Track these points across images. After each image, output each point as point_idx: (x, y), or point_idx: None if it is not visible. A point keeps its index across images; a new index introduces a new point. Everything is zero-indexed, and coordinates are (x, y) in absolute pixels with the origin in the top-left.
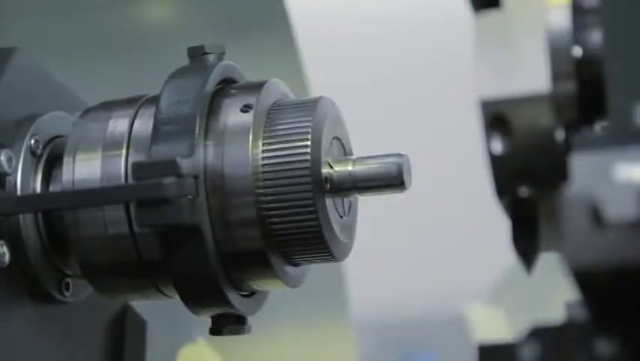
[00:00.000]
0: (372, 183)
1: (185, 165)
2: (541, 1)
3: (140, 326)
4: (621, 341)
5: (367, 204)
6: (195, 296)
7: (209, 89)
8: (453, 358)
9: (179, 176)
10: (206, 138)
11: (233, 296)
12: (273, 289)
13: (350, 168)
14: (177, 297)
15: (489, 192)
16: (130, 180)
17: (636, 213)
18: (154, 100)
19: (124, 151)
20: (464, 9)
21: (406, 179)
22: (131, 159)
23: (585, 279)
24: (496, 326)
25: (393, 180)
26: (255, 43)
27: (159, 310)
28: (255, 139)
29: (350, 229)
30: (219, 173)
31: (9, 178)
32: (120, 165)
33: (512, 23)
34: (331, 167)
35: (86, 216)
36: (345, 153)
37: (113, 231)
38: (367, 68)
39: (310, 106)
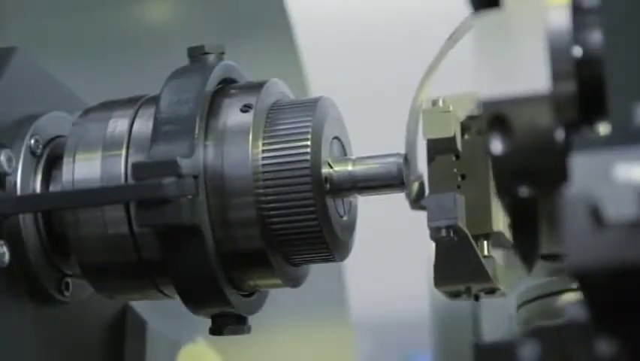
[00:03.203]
0: (372, 183)
1: (185, 165)
2: (541, 1)
3: (140, 326)
4: (621, 341)
5: (368, 204)
6: (195, 296)
7: (209, 89)
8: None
9: (179, 176)
10: (206, 138)
11: (233, 296)
12: (273, 289)
13: (350, 168)
14: (177, 297)
15: None
16: (130, 180)
17: (636, 213)
18: (154, 100)
19: (124, 151)
20: (464, 9)
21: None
22: (131, 159)
23: (585, 279)
24: None
25: (393, 180)
26: (255, 43)
27: (159, 310)
28: (254, 139)
29: (350, 229)
30: (219, 173)
31: (9, 178)
32: (120, 165)
33: (512, 23)
34: (331, 167)
35: (86, 216)
36: (345, 153)
37: (113, 231)
38: (367, 68)
39: (310, 106)
